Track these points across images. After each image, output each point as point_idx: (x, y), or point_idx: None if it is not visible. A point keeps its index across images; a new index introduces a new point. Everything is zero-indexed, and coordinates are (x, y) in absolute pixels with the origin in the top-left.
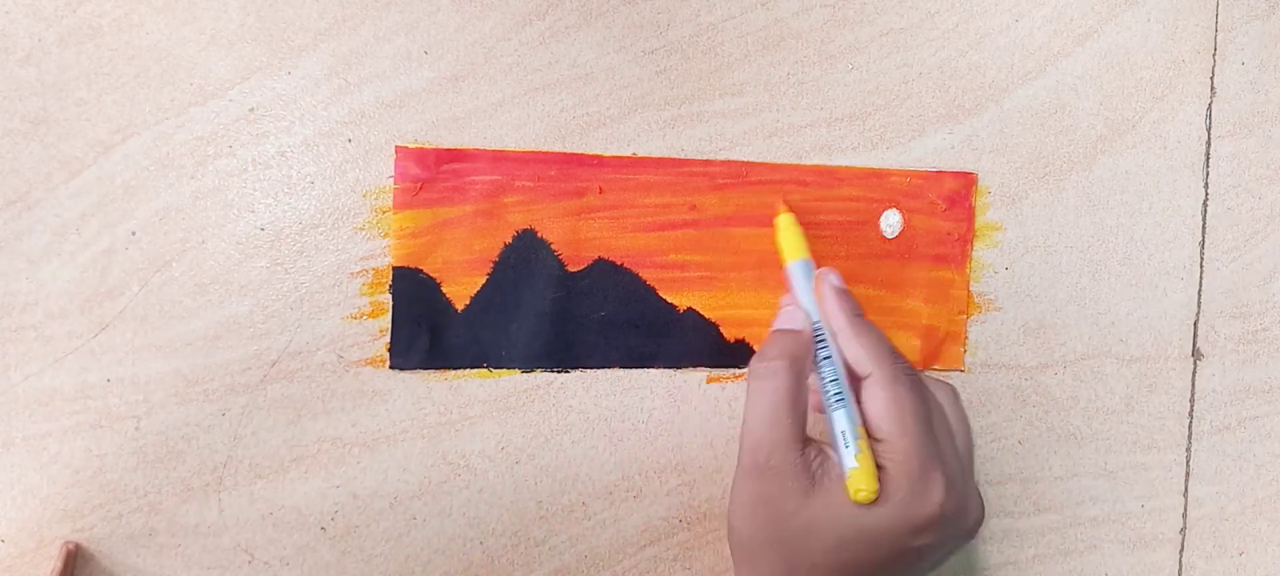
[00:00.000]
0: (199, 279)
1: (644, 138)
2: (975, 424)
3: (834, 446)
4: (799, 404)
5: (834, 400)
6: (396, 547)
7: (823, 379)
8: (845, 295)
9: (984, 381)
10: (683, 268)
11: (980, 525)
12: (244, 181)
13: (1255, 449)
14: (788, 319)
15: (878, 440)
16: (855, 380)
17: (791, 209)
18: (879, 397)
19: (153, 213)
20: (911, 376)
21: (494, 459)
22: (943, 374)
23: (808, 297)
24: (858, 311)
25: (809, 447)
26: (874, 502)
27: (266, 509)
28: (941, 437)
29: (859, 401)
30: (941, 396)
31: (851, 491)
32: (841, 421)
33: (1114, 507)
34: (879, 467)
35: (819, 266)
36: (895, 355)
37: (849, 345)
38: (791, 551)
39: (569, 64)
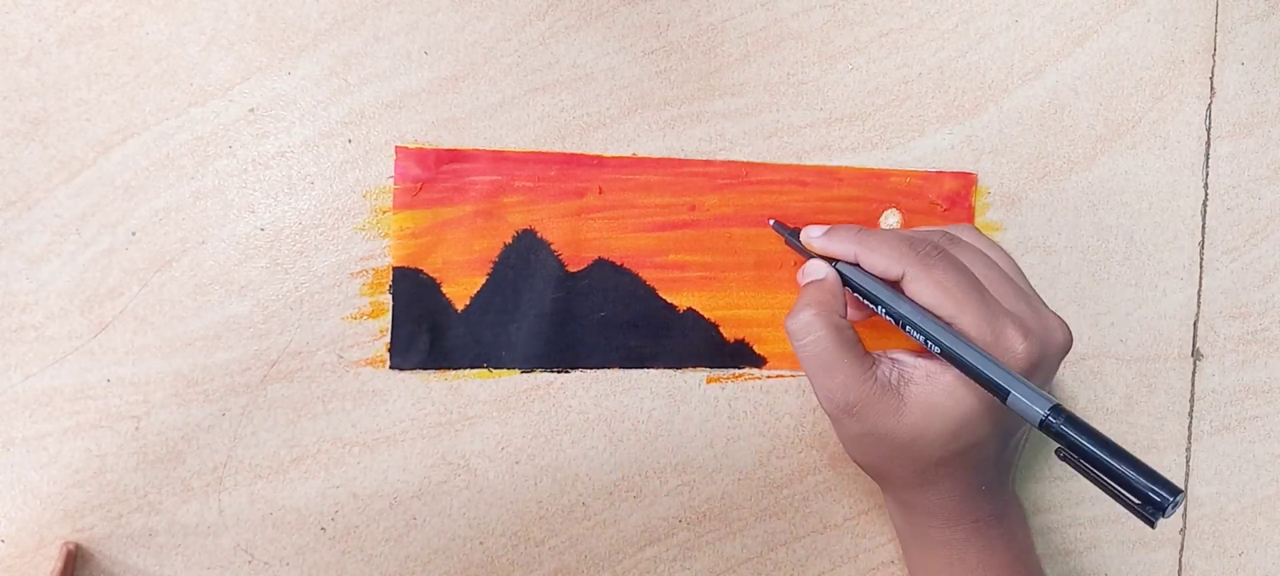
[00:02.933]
0: (199, 279)
1: (644, 138)
2: None
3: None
4: (845, 338)
5: (908, 330)
6: (396, 547)
7: (892, 319)
8: (836, 229)
9: None
10: (683, 268)
11: (1069, 335)
12: (244, 181)
13: (1255, 449)
14: (810, 271)
15: (944, 320)
16: (897, 285)
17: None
18: (923, 291)
19: (153, 213)
20: (938, 252)
21: (494, 459)
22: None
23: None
24: (860, 229)
25: (878, 366)
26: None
27: (266, 509)
28: (995, 287)
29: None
30: (968, 242)
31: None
32: (921, 337)
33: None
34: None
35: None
36: (913, 241)
37: (870, 262)
38: (911, 458)
39: (569, 64)
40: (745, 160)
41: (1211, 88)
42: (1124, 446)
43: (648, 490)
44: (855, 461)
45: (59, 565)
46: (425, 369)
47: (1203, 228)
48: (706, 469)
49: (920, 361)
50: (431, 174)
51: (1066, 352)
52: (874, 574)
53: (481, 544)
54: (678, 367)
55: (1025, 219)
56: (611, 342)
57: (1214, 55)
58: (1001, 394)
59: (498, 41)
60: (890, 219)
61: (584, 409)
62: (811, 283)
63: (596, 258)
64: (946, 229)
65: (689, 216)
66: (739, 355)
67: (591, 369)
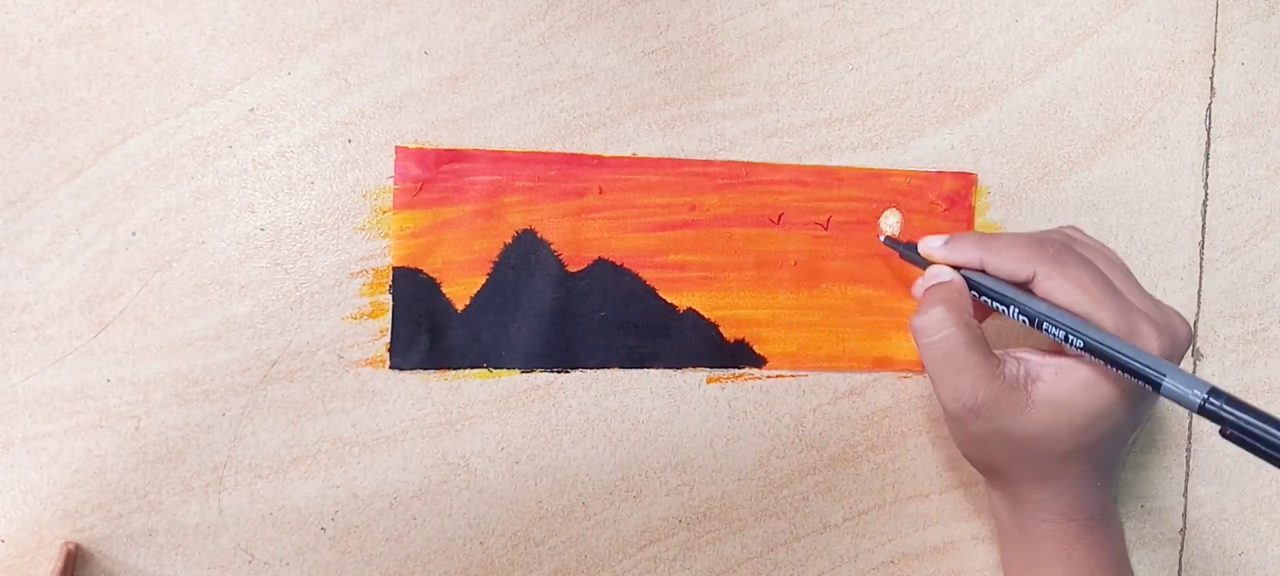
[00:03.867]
0: (199, 279)
1: (644, 138)
2: None
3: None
4: (975, 336)
5: (1046, 328)
6: (396, 547)
7: (1025, 319)
8: (956, 237)
9: None
10: (683, 268)
11: (1191, 329)
12: (244, 181)
13: None
14: (933, 276)
15: (1081, 316)
16: (1025, 286)
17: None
18: (1058, 290)
19: (153, 213)
20: (1067, 250)
21: (494, 459)
22: None
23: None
24: (980, 235)
25: (1005, 365)
26: None
27: (266, 509)
28: (1122, 284)
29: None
30: (1086, 242)
31: None
32: (1061, 334)
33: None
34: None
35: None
36: (1041, 241)
37: (997, 266)
38: (1037, 455)
39: (569, 64)
40: (745, 160)
41: (1211, 88)
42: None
43: (648, 490)
44: (970, 459)
45: (59, 565)
46: (425, 369)
47: (1203, 228)
48: (706, 469)
49: (1047, 359)
50: (431, 174)
51: (1189, 346)
52: (874, 574)
53: (481, 544)
54: (678, 367)
55: (1025, 219)
56: (611, 342)
57: (1214, 55)
58: (1155, 382)
59: (498, 41)
60: (890, 219)
61: (584, 409)
62: (937, 284)
63: (596, 258)
64: (1061, 228)
65: (689, 216)
66: (739, 355)
67: (591, 369)
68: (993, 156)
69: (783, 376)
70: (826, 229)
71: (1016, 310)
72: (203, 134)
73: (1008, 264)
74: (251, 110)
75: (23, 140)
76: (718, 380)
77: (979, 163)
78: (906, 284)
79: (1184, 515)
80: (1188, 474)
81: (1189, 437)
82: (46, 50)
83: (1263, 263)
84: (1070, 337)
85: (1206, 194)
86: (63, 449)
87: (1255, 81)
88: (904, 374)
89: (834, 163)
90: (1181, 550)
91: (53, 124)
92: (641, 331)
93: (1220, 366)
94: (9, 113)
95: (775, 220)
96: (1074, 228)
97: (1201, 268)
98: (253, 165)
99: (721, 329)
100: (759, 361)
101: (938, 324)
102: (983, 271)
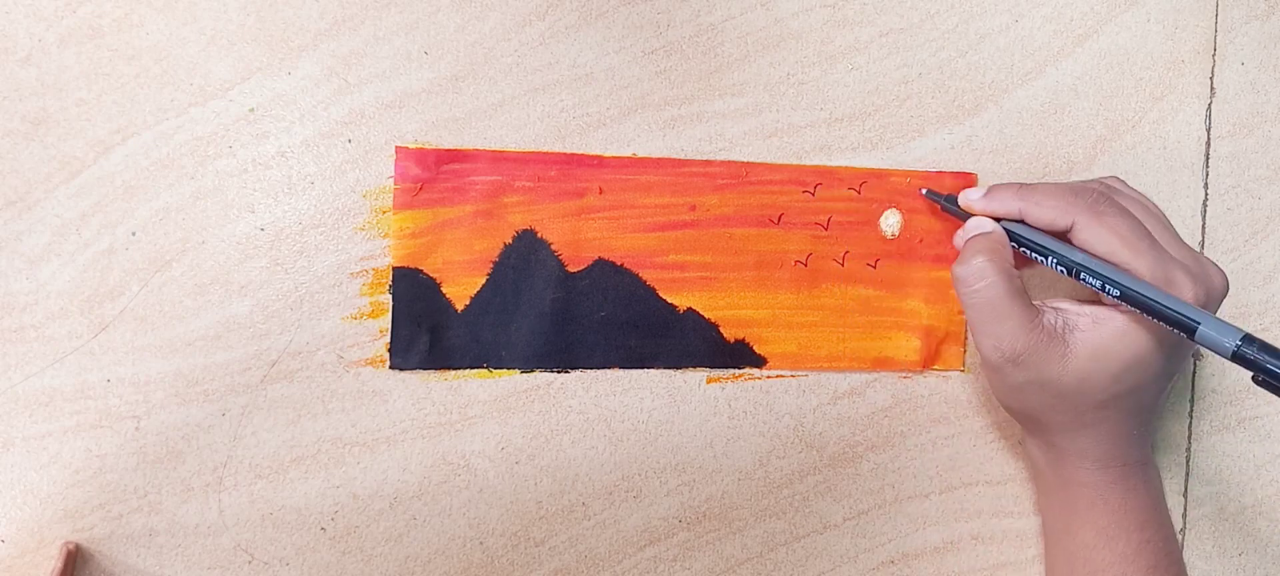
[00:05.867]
0: (199, 279)
1: (644, 138)
2: (974, 424)
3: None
4: (1016, 287)
5: (1084, 278)
6: (396, 547)
7: (1063, 268)
8: (996, 188)
9: (984, 382)
10: (683, 268)
11: (1227, 281)
12: (244, 181)
13: (1255, 449)
14: (974, 227)
15: (1119, 265)
16: (1064, 235)
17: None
18: (1096, 239)
19: (153, 213)
20: (1106, 199)
21: (494, 459)
22: (943, 374)
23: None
24: (1020, 185)
25: (1044, 314)
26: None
27: (266, 509)
28: (1159, 234)
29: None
30: (1125, 192)
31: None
32: (1098, 283)
33: None
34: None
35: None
36: (1080, 191)
37: (1036, 216)
38: (1074, 403)
39: (569, 64)
40: (745, 160)
41: (1211, 88)
42: None
43: (648, 490)
44: (1007, 408)
45: (59, 565)
46: (425, 369)
47: (1203, 228)
48: (706, 469)
49: (1084, 308)
50: (431, 174)
51: (1225, 297)
52: (874, 574)
53: (481, 544)
54: (678, 367)
55: None
56: (611, 342)
57: (1214, 55)
58: (1190, 329)
59: (498, 41)
60: (890, 219)
61: (584, 409)
62: (978, 235)
63: (596, 258)
64: (1101, 179)
65: (689, 216)
66: (739, 355)
67: (591, 369)
68: (993, 156)
69: (783, 376)
70: (826, 229)
71: (1055, 260)
72: (203, 134)
73: (1047, 214)
74: (251, 110)
75: (23, 140)
76: (718, 380)
77: (979, 163)
78: (906, 284)
79: (1184, 515)
80: (1188, 474)
81: (1189, 437)
82: (46, 50)
83: (1263, 262)
84: (1107, 287)
85: (1206, 194)
86: (63, 449)
87: (1255, 81)
88: (904, 374)
89: (834, 163)
90: (1181, 550)
91: (53, 124)
92: (641, 331)
93: (1220, 366)
94: (9, 113)
95: (775, 220)
96: (1115, 178)
97: None
98: (253, 165)
99: (721, 329)
100: (759, 361)
101: (978, 273)
102: (1022, 222)
